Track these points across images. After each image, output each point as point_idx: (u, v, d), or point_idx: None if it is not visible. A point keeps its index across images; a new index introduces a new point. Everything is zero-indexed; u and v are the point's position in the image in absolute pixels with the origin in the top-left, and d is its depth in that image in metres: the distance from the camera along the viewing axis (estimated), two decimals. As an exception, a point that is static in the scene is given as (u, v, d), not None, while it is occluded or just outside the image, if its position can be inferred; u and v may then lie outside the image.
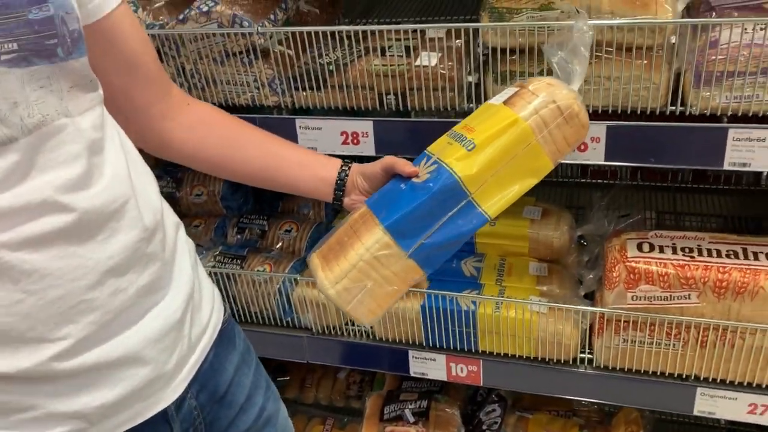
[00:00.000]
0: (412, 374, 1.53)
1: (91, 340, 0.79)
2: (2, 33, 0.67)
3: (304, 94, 1.35)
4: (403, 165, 0.99)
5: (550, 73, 1.16)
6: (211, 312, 1.00)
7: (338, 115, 1.34)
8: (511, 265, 1.51)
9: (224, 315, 1.05)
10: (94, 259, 0.78)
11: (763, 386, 1.29)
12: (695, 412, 1.35)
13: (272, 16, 1.35)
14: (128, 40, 0.92)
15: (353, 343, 1.55)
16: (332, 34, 1.26)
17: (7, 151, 0.69)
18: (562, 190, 2.00)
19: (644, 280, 1.24)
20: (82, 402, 0.80)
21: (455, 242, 0.95)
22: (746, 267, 1.19)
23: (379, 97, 1.30)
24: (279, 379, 2.10)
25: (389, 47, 1.28)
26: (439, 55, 1.24)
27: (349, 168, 1.08)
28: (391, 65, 1.26)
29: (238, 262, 1.59)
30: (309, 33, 1.28)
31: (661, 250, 1.26)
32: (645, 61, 1.13)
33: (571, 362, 1.41)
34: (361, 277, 0.94)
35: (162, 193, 0.97)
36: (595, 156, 1.21)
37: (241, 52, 1.35)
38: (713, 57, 1.08)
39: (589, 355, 1.40)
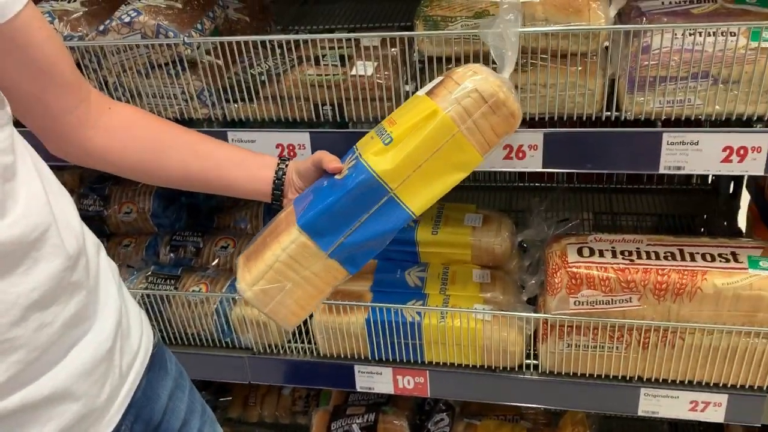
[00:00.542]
0: (359, 389, 1.49)
1: (17, 381, 0.73)
2: None
3: (236, 105, 1.30)
4: (328, 161, 0.96)
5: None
6: (141, 337, 0.95)
7: (273, 127, 1.30)
8: (454, 273, 1.50)
9: (154, 339, 1.00)
10: (16, 293, 0.72)
11: (703, 384, 1.32)
12: (639, 413, 1.36)
13: (199, 26, 1.29)
14: (39, 44, 0.85)
15: (296, 361, 1.50)
16: (263, 43, 1.21)
17: None
18: (500, 194, 2.01)
19: (586, 285, 1.24)
20: None
21: (379, 240, 0.91)
22: (684, 268, 1.21)
23: (315, 108, 1.26)
24: (221, 399, 2.03)
25: (323, 56, 1.24)
26: (375, 64, 1.22)
27: (287, 166, 1.04)
28: (326, 75, 1.22)
29: (172, 282, 1.52)
30: (238, 42, 1.23)
31: (601, 254, 1.27)
32: (580, 68, 1.13)
33: (517, 369, 1.40)
34: (278, 278, 0.90)
35: (88, 212, 0.91)
36: (534, 163, 1.21)
37: (167, 64, 1.28)
38: (646, 62, 1.09)
39: (535, 361, 1.40)
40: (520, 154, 1.19)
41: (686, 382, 1.32)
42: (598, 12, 1.08)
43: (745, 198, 1.85)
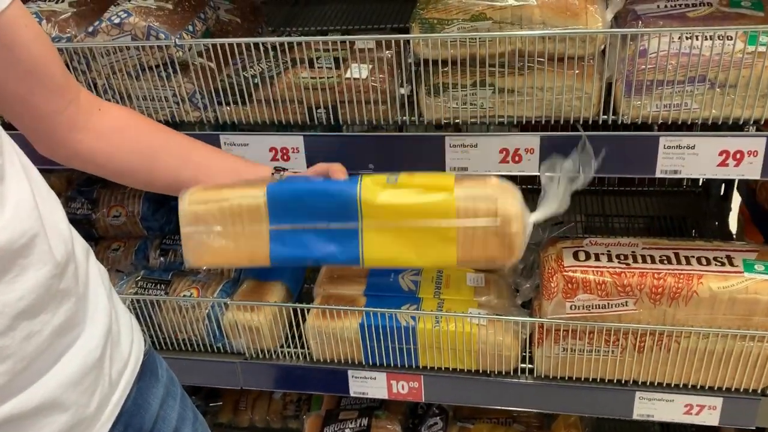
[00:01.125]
0: (352, 395, 1.48)
1: (4, 392, 0.71)
2: None
3: (228, 108, 1.28)
4: (336, 170, 0.95)
5: (483, 85, 1.15)
6: (131, 345, 0.93)
7: (266, 131, 1.28)
8: (448, 277, 1.48)
9: (145, 346, 0.98)
10: (2, 302, 0.70)
11: (698, 387, 1.32)
12: (635, 416, 1.36)
13: (190, 27, 1.27)
14: (25, 43, 0.83)
15: (289, 366, 1.48)
16: (255, 45, 1.20)
17: None
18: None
19: (582, 289, 1.24)
20: None
21: (315, 259, 0.88)
22: (679, 272, 1.21)
23: (309, 111, 1.24)
24: (211, 404, 2.01)
25: (317, 59, 1.23)
26: (370, 66, 1.20)
27: (281, 177, 1.01)
28: (320, 78, 1.21)
29: (163, 287, 1.50)
30: (231, 44, 1.21)
31: (597, 258, 1.27)
32: (577, 71, 1.12)
33: (512, 373, 1.40)
34: (216, 215, 0.88)
35: (76, 215, 0.89)
36: (530, 167, 1.20)
37: (157, 66, 1.26)
38: (642, 66, 1.09)
39: (530, 365, 1.39)
40: (516, 158, 1.19)
41: (681, 385, 1.32)
42: (595, 15, 1.08)
43: (736, 200, 1.86)
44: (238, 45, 1.21)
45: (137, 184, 1.03)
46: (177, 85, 1.27)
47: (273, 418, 2.01)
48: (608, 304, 1.24)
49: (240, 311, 1.45)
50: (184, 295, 1.48)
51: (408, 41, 1.16)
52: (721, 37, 1.05)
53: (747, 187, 1.73)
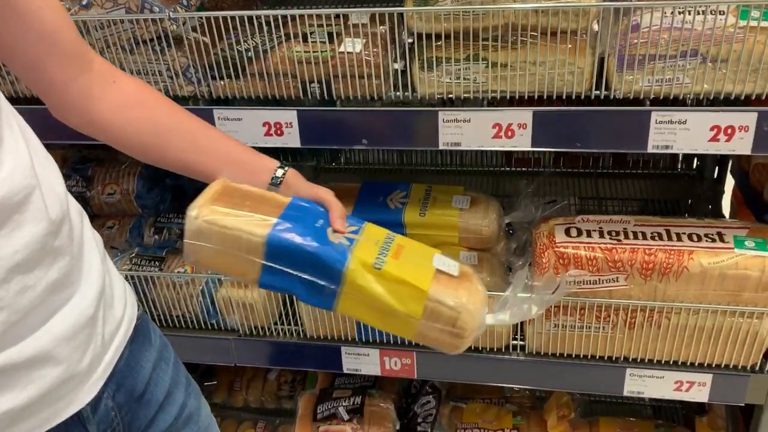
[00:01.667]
0: (345, 371, 1.49)
1: None
2: None
3: (222, 83, 1.28)
4: (335, 217, 0.99)
5: (476, 59, 1.15)
6: (125, 308, 0.95)
7: (260, 105, 1.28)
8: (441, 256, 1.49)
9: (138, 310, 0.99)
10: None
11: (688, 364, 1.33)
12: (625, 393, 1.37)
13: (184, 1, 1.27)
14: (36, 11, 0.84)
15: (283, 342, 1.49)
16: (249, 19, 1.20)
17: None
18: (486, 178, 2.01)
19: (573, 264, 1.25)
20: None
21: (295, 293, 0.97)
22: (670, 248, 1.22)
23: (303, 86, 1.24)
24: (206, 383, 2.01)
25: (311, 33, 1.23)
26: (364, 41, 1.20)
27: (284, 175, 1.03)
28: (314, 52, 1.21)
29: (157, 263, 1.50)
30: (225, 18, 1.21)
31: (589, 235, 1.27)
32: (569, 46, 1.12)
33: (503, 350, 1.41)
34: (221, 238, 0.94)
35: (71, 193, 0.90)
36: (523, 142, 1.20)
37: (152, 40, 1.26)
38: (635, 41, 1.09)
39: (522, 342, 1.40)
40: (509, 133, 1.19)
41: (671, 362, 1.33)
42: (588, -11, 1.08)
43: (730, 183, 1.86)
44: (232, 18, 1.21)
45: (147, 160, 1.03)
46: (171, 59, 1.27)
47: (267, 399, 2.02)
48: (599, 279, 1.25)
49: (234, 288, 1.45)
50: (178, 272, 1.48)
51: (402, 15, 1.16)
52: (713, 12, 1.05)
53: (740, 170, 1.74)
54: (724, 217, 1.80)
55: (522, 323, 1.39)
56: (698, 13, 1.06)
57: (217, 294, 1.47)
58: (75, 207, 0.89)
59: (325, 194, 1.02)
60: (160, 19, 1.22)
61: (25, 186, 0.74)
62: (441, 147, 1.22)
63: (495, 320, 1.03)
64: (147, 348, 0.98)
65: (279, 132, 1.27)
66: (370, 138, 1.25)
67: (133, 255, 1.54)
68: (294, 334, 1.50)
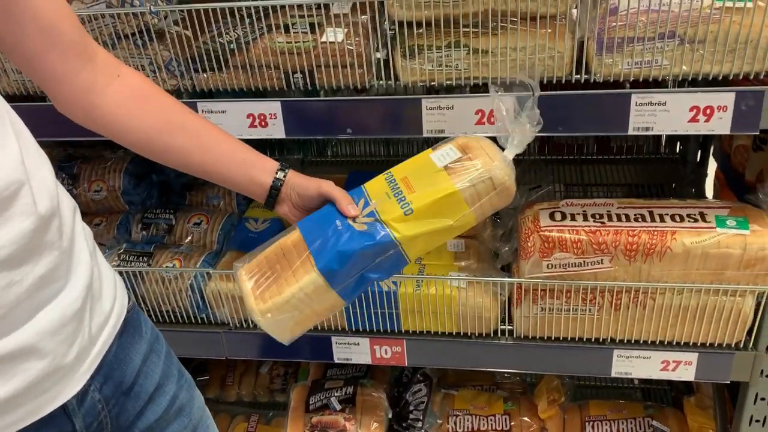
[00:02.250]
0: (336, 360, 1.50)
1: None
2: None
3: (205, 75, 1.28)
4: (344, 205, 1.02)
5: (458, 46, 1.16)
6: (114, 301, 0.94)
7: (243, 97, 1.28)
8: (429, 243, 1.50)
9: (128, 303, 0.99)
10: None
11: (674, 343, 1.34)
12: (613, 374, 1.39)
13: (166, -5, 1.27)
14: (36, 2, 0.84)
15: (273, 334, 1.50)
16: (231, 10, 1.20)
17: None
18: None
19: (558, 247, 1.26)
20: None
21: (375, 281, 1.02)
22: (653, 229, 1.23)
23: (286, 77, 1.25)
24: (198, 379, 2.01)
25: (293, 24, 1.23)
26: (346, 30, 1.21)
27: (285, 176, 1.05)
28: (296, 42, 1.21)
29: (145, 259, 1.50)
30: (206, 10, 1.21)
31: (573, 218, 1.29)
32: (549, 30, 1.13)
33: (492, 335, 1.42)
34: (291, 309, 1.00)
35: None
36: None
37: (133, 34, 1.26)
38: (613, 24, 1.10)
39: (510, 327, 1.41)
40: (493, 119, 1.20)
41: (657, 342, 1.35)
42: (566, -26, 1.09)
43: (712, 166, 1.89)
44: (214, 11, 1.21)
45: (149, 155, 1.03)
46: (153, 53, 1.27)
47: (260, 392, 2.02)
48: (584, 262, 1.26)
49: (223, 281, 1.46)
50: (167, 266, 1.48)
51: (383, 3, 1.17)
52: (689, -7, 1.07)
53: (722, 152, 1.76)
54: (708, 198, 1.83)
55: (509, 307, 1.40)
56: (675, -5, 1.07)
57: (206, 288, 1.47)
58: (67, 201, 0.88)
59: (327, 187, 1.04)
60: (141, 13, 1.22)
61: (13, 181, 0.74)
62: (425, 134, 1.23)
63: (512, 153, 1.05)
64: (137, 340, 0.98)
65: (263, 123, 1.28)
66: (354, 127, 1.26)
67: (121, 251, 1.54)
68: (284, 326, 1.50)
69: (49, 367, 0.80)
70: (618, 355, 1.37)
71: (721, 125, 1.13)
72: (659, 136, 1.92)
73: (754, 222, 1.22)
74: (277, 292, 0.99)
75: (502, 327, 1.41)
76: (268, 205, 1.07)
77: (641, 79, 1.14)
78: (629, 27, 1.09)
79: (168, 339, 1.12)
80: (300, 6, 1.22)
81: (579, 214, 1.29)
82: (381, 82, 1.25)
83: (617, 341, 1.36)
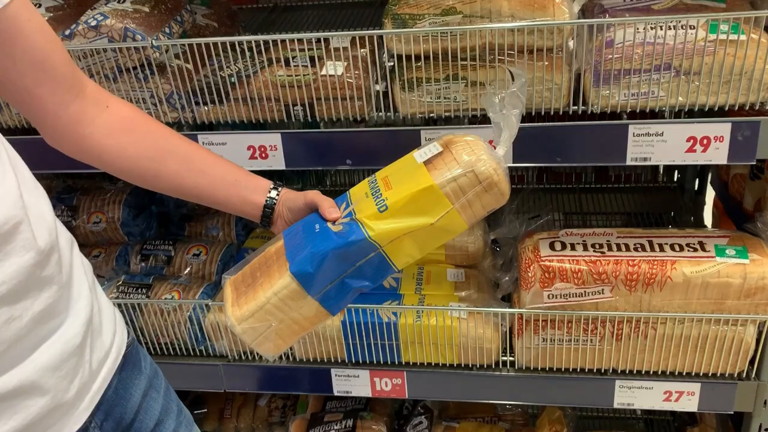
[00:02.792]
0: (336, 393, 1.48)
1: None
2: None
3: (206, 108, 1.29)
4: (325, 207, 0.98)
5: (456, 79, 1.17)
6: (113, 335, 0.93)
7: (244, 129, 1.29)
8: (429, 273, 1.50)
9: (128, 338, 0.98)
10: None
11: (676, 373, 1.33)
12: (615, 405, 1.38)
13: (167, 29, 1.29)
14: (29, 35, 0.84)
15: (273, 366, 1.48)
16: (232, 44, 1.21)
17: None
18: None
19: (559, 278, 1.26)
20: None
21: (362, 289, 0.96)
22: (653, 258, 1.23)
23: (286, 109, 1.26)
24: (196, 412, 1.99)
25: (293, 57, 1.25)
26: (345, 64, 1.22)
27: (278, 195, 1.04)
28: (296, 75, 1.23)
29: (144, 290, 1.50)
30: (207, 44, 1.23)
31: (573, 248, 1.29)
32: (546, 63, 1.15)
33: (493, 366, 1.41)
34: (267, 317, 0.94)
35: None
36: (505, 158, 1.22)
37: (135, 68, 1.28)
38: (610, 56, 1.12)
39: (511, 358, 1.40)
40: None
41: (660, 372, 1.34)
42: (562, 8, 1.11)
43: (710, 195, 1.89)
44: (215, 45, 1.22)
45: (142, 183, 1.03)
46: (154, 86, 1.28)
47: (258, 425, 2.00)
48: (585, 292, 1.26)
49: (222, 312, 1.45)
50: (166, 298, 1.48)
51: (382, 37, 1.18)
52: (684, 26, 1.08)
53: (720, 181, 1.77)
54: (706, 227, 1.83)
55: (510, 338, 1.39)
56: (670, 28, 1.08)
57: (205, 319, 1.46)
58: (64, 235, 0.88)
59: (313, 195, 1.02)
60: (143, 47, 1.23)
61: (12, 217, 0.74)
62: (424, 165, 1.24)
63: (502, 148, 0.96)
64: (137, 376, 0.97)
65: (264, 155, 1.28)
66: (354, 158, 1.26)
67: (120, 283, 1.53)
68: (283, 358, 1.49)
69: (50, 404, 0.79)
70: (620, 386, 1.36)
71: (718, 155, 1.14)
72: (657, 165, 1.93)
73: (753, 251, 1.22)
74: (253, 298, 0.95)
75: (503, 358, 1.40)
76: (263, 224, 1.05)
77: (638, 110, 1.15)
78: (625, 59, 1.11)
79: (166, 371, 1.11)
80: (300, 40, 1.24)
81: (579, 243, 1.29)
82: (380, 113, 1.26)
83: (619, 372, 1.35)
